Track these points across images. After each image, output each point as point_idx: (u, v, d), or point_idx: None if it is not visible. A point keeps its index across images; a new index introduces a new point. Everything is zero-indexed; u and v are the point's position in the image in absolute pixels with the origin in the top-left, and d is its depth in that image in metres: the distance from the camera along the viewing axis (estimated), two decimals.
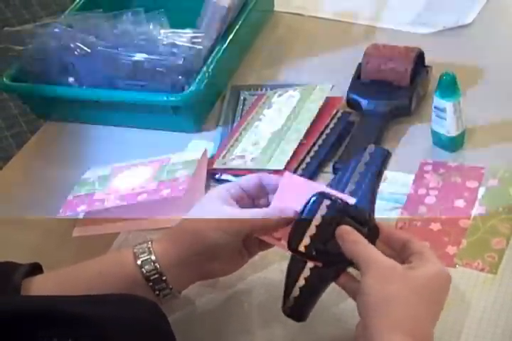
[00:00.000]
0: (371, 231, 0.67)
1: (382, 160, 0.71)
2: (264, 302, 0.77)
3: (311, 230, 0.67)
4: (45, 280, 0.71)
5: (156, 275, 0.69)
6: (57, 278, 0.72)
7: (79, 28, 1.02)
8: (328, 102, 0.95)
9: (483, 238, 0.78)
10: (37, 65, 1.02)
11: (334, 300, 0.74)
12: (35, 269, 0.73)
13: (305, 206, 0.68)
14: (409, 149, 0.91)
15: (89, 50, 0.98)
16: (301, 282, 0.67)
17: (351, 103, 0.96)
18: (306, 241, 0.67)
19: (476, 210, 0.81)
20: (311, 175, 0.89)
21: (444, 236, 0.79)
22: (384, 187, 0.86)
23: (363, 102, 0.94)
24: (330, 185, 0.71)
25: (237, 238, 0.70)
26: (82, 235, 0.90)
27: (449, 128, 0.86)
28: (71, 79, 1.02)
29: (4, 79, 1.04)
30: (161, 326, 0.65)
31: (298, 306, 0.68)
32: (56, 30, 1.01)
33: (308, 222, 0.67)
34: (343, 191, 0.69)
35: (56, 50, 0.99)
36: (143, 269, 0.69)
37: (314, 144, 0.91)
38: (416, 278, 0.62)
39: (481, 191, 0.83)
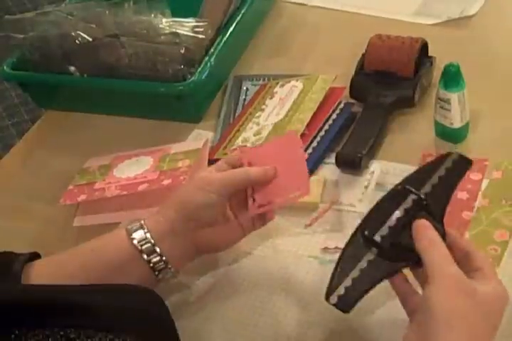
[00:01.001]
0: (442, 233, 0.65)
1: (465, 169, 0.69)
2: (262, 286, 0.77)
3: (391, 221, 0.65)
4: (44, 265, 0.72)
5: (149, 245, 0.70)
6: (55, 262, 0.73)
7: (80, 16, 1.01)
8: (331, 93, 0.94)
9: (486, 230, 0.78)
10: (38, 54, 1.01)
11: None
12: (34, 258, 0.73)
13: (388, 196, 0.67)
14: (412, 140, 0.91)
15: (90, 39, 0.97)
16: (356, 273, 0.65)
17: (354, 93, 0.95)
18: (383, 231, 0.65)
19: (479, 202, 0.81)
20: (313, 165, 0.88)
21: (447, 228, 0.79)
22: (386, 179, 0.86)
23: (366, 93, 0.94)
24: (408, 180, 0.69)
25: (223, 197, 0.72)
26: (83, 225, 0.90)
27: (452, 119, 0.86)
28: (72, 68, 1.02)
29: (5, 67, 1.03)
30: (161, 316, 0.65)
31: (347, 297, 0.65)
32: (57, 18, 1.00)
33: (390, 213, 0.65)
34: (419, 189, 0.67)
35: (57, 39, 0.99)
36: (135, 241, 0.70)
37: (317, 135, 0.91)
38: (484, 297, 0.61)
39: (485, 183, 0.83)
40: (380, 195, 0.83)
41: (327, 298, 0.65)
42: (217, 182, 0.72)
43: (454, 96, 0.83)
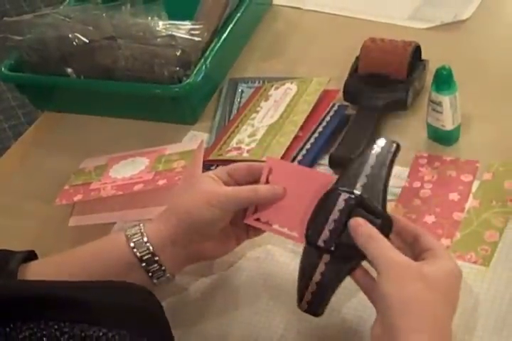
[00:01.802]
0: (385, 223, 0.67)
1: (393, 153, 0.71)
2: (258, 287, 0.78)
3: (330, 224, 0.67)
4: (40, 266, 0.72)
5: (149, 255, 0.70)
6: (53, 263, 0.73)
7: (77, 18, 1.02)
8: (325, 95, 0.96)
9: (477, 231, 0.79)
10: (35, 55, 1.02)
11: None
12: (31, 256, 0.74)
13: (322, 200, 0.69)
14: (405, 142, 0.89)
15: (87, 41, 0.98)
16: (317, 277, 0.67)
17: (348, 96, 0.96)
18: (325, 235, 0.67)
19: (470, 204, 0.82)
20: (307, 167, 0.89)
21: (438, 229, 0.80)
22: None
23: (360, 95, 0.95)
24: (342, 178, 0.70)
25: (228, 214, 0.71)
26: (78, 225, 0.91)
27: (444, 122, 0.87)
28: (69, 70, 1.02)
29: (2, 69, 1.04)
30: (154, 312, 0.66)
31: (316, 301, 0.68)
32: (55, 20, 1.01)
33: (327, 216, 0.67)
34: (354, 184, 0.69)
35: (55, 41, 0.99)
36: (135, 250, 0.70)
37: (310, 137, 0.92)
38: (433, 276, 0.62)
39: (476, 185, 0.84)
40: None
41: (298, 305, 0.69)
42: (225, 198, 0.70)
43: (445, 99, 0.84)
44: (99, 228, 0.89)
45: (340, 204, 0.67)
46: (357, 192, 0.67)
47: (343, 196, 0.67)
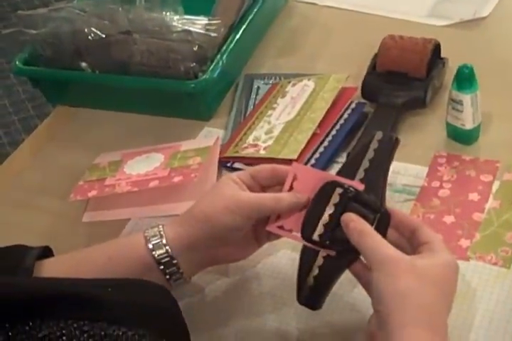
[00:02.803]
0: (382, 218, 0.67)
1: (392, 147, 0.71)
2: (275, 289, 0.77)
3: (325, 219, 0.67)
4: (56, 264, 0.71)
5: (167, 259, 0.69)
6: (69, 261, 0.72)
7: (93, 12, 1.01)
8: (343, 92, 0.94)
9: (497, 232, 0.78)
10: (49, 49, 1.01)
11: (346, 288, 0.74)
12: (46, 252, 0.73)
13: (317, 195, 0.68)
14: (424, 141, 0.91)
15: (103, 35, 0.97)
16: (315, 271, 0.67)
17: (366, 94, 0.95)
18: (320, 230, 0.67)
19: (490, 204, 0.81)
20: (324, 165, 0.88)
21: (458, 229, 0.79)
22: (397, 179, 0.86)
23: (378, 93, 0.94)
24: (339, 173, 0.70)
25: (249, 221, 0.70)
26: (92, 220, 0.90)
27: (464, 120, 0.86)
28: (84, 64, 1.01)
29: (17, 62, 1.03)
30: (172, 311, 0.65)
31: (313, 295, 0.68)
32: (70, 14, 1.00)
33: (322, 210, 0.67)
34: (352, 178, 0.68)
35: (69, 35, 0.98)
36: (154, 252, 0.69)
37: (328, 134, 0.91)
38: (425, 269, 0.62)
39: (496, 185, 0.83)
40: (391, 194, 0.84)
41: (297, 299, 0.69)
42: (246, 206, 0.69)
43: (466, 98, 0.83)
44: (113, 224, 0.88)
45: (336, 198, 0.67)
46: (354, 186, 0.67)
47: (339, 190, 0.67)
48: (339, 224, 0.66)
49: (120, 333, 0.52)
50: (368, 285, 0.66)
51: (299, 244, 0.69)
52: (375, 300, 0.62)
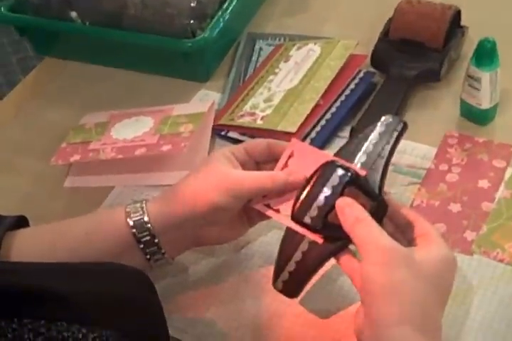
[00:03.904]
0: (379, 206, 0.61)
1: (398, 132, 0.65)
2: (260, 272, 0.72)
3: (320, 201, 0.61)
4: (28, 236, 0.66)
5: (148, 237, 0.64)
6: (42, 235, 0.67)
7: None
8: (351, 60, 0.87)
9: (506, 225, 0.72)
10: None
11: (328, 277, 0.69)
12: (21, 222, 0.68)
13: (315, 174, 0.62)
14: (435, 118, 0.84)
15: None
16: (298, 256, 0.62)
17: (376, 62, 0.88)
18: (313, 212, 0.61)
19: (501, 193, 0.75)
20: (326, 139, 0.82)
21: (464, 220, 0.73)
22: (402, 159, 0.80)
23: (389, 63, 0.86)
24: (338, 153, 0.65)
25: (239, 201, 0.64)
26: (74, 186, 0.84)
27: (481, 99, 0.79)
28: (73, 14, 0.94)
29: (1, 9, 0.96)
30: (148, 300, 0.60)
31: (292, 281, 0.63)
32: None
33: (318, 192, 0.61)
34: (352, 161, 0.63)
35: None
36: (134, 230, 0.64)
37: (332, 106, 0.84)
38: (422, 263, 0.57)
39: (509, 172, 0.76)
40: (394, 176, 0.78)
41: (273, 284, 0.63)
42: (239, 185, 0.63)
43: (485, 76, 0.76)
44: (96, 191, 0.83)
45: (334, 179, 0.60)
46: (355, 170, 0.61)
47: (339, 171, 0.61)
48: (334, 208, 0.61)
49: (80, 336, 0.47)
50: (354, 276, 0.60)
51: None
52: (364, 292, 0.57)
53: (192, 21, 0.88)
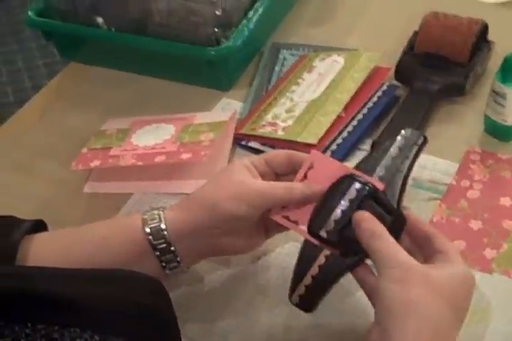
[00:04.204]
0: (397, 221, 0.61)
1: (418, 146, 0.65)
2: (277, 285, 0.71)
3: (336, 214, 0.60)
4: (45, 240, 0.66)
5: (164, 245, 0.64)
6: (59, 239, 0.67)
7: None
8: (375, 72, 0.87)
9: None
10: (65, 1, 0.94)
11: (345, 292, 0.68)
12: (39, 226, 0.68)
13: (332, 187, 0.62)
14: (458, 134, 0.83)
15: None
16: (315, 270, 0.62)
17: (400, 75, 0.87)
18: (329, 225, 0.60)
19: None
20: (347, 151, 0.81)
21: (484, 237, 0.72)
22: (423, 174, 0.79)
23: (414, 76, 0.85)
24: (358, 167, 0.64)
25: (257, 211, 0.64)
26: (94, 191, 0.85)
27: (506, 116, 0.78)
28: (100, 20, 0.94)
29: (30, 13, 0.97)
30: (162, 309, 0.60)
31: (308, 296, 0.63)
32: None
33: (335, 205, 0.61)
34: (371, 175, 0.62)
35: None
36: (150, 237, 0.64)
37: (353, 118, 0.83)
38: (439, 281, 0.56)
39: None
40: (414, 191, 0.77)
41: (290, 298, 0.63)
42: (257, 195, 0.63)
43: (511, 92, 0.75)
44: (115, 197, 0.83)
45: (352, 193, 0.60)
46: (373, 183, 0.61)
47: (356, 185, 0.60)
48: (351, 222, 0.60)
49: None
50: (371, 292, 0.60)
51: None
52: (379, 309, 0.56)
53: (216, 29, 0.88)
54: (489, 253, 0.71)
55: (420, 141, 0.64)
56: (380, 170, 0.63)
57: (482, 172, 0.78)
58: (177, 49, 0.90)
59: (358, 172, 0.63)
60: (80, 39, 0.98)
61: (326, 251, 0.62)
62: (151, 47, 0.92)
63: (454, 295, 0.56)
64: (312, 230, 0.61)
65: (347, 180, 0.61)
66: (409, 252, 0.59)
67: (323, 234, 0.61)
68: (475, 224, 0.73)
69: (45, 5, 0.97)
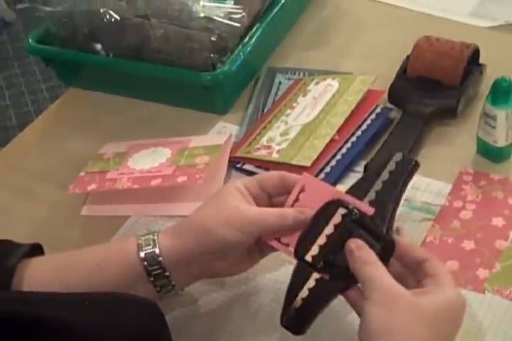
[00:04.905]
0: (386, 247, 0.61)
1: (409, 171, 0.65)
2: (270, 307, 0.71)
3: (321, 239, 0.61)
4: (41, 265, 0.67)
5: (159, 271, 0.64)
6: (55, 264, 0.68)
7: None
8: (369, 95, 0.88)
9: None
10: (63, 29, 0.95)
11: (338, 313, 0.68)
12: (35, 250, 0.69)
13: (318, 213, 0.62)
14: (450, 155, 0.84)
15: (118, 18, 0.91)
16: (305, 293, 0.62)
17: (393, 98, 0.88)
18: (314, 250, 0.61)
19: None
20: (340, 174, 0.82)
21: (476, 257, 0.73)
22: (417, 195, 0.80)
23: (406, 99, 0.87)
24: (350, 191, 0.65)
25: (250, 238, 0.65)
26: (91, 214, 0.85)
27: (497, 137, 0.79)
28: (98, 46, 0.96)
29: (30, 40, 0.98)
30: (158, 332, 0.60)
31: (298, 318, 0.63)
32: None
33: (319, 230, 0.61)
34: (362, 199, 0.63)
35: (84, 15, 0.93)
36: (145, 262, 0.64)
37: (347, 141, 0.84)
38: (426, 307, 0.57)
39: None
40: (407, 212, 0.78)
41: (280, 320, 0.63)
42: (250, 221, 0.64)
43: (501, 114, 0.76)
44: (112, 220, 0.84)
45: (337, 218, 0.61)
46: (360, 209, 0.61)
47: (342, 210, 0.61)
48: (336, 247, 0.61)
49: None
50: (361, 311, 0.60)
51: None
52: (362, 331, 0.57)
53: (212, 55, 0.90)
54: (482, 273, 0.71)
55: (411, 166, 0.65)
56: (370, 195, 0.63)
57: (475, 192, 0.79)
58: (173, 74, 0.91)
59: (348, 197, 0.63)
60: (78, 65, 1.00)
61: (316, 275, 0.62)
62: (148, 72, 0.93)
63: (440, 321, 0.57)
64: (298, 255, 0.62)
65: (333, 204, 0.62)
66: (400, 277, 0.60)
67: (308, 258, 0.62)
68: (468, 245, 0.74)
69: (44, 32, 0.99)
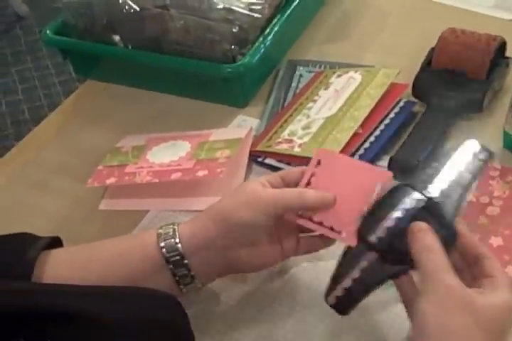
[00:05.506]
0: (449, 236, 0.59)
1: (483, 161, 0.63)
2: (295, 303, 0.70)
3: (389, 221, 0.59)
4: (61, 257, 0.66)
5: (178, 257, 0.63)
6: (75, 256, 0.67)
7: None
8: (392, 88, 0.86)
9: None
10: (81, 20, 0.94)
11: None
12: (55, 243, 0.68)
13: (387, 195, 0.61)
14: None
15: (138, 8, 0.90)
16: (356, 273, 0.60)
17: (417, 92, 0.87)
18: (380, 232, 0.60)
19: None
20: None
21: (505, 254, 0.71)
22: None
23: (431, 92, 0.85)
24: (417, 175, 0.63)
25: (270, 218, 0.63)
26: (109, 209, 0.84)
27: None
28: (117, 38, 0.95)
29: (47, 31, 0.97)
30: (180, 327, 0.59)
31: (345, 298, 0.61)
32: None
33: (387, 213, 0.60)
34: (426, 186, 0.61)
35: (103, 6, 0.91)
36: (164, 250, 0.63)
37: (371, 134, 0.83)
38: (483, 309, 0.54)
39: None
40: None
41: (326, 298, 0.62)
42: (267, 200, 0.63)
43: None
44: (130, 214, 0.83)
45: (408, 202, 0.59)
46: (430, 194, 0.60)
47: (414, 195, 0.59)
48: (403, 231, 0.59)
49: None
50: (408, 303, 0.59)
51: (325, 256, 0.64)
52: (415, 327, 0.55)
53: (233, 47, 0.88)
54: (510, 270, 0.69)
55: (485, 156, 0.63)
56: (442, 183, 0.61)
57: (502, 188, 0.77)
58: (193, 66, 0.90)
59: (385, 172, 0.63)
60: (96, 57, 0.99)
61: (371, 257, 0.60)
62: (168, 64, 0.92)
63: (495, 325, 0.55)
64: (362, 235, 0.61)
65: (404, 188, 0.60)
66: (457, 269, 0.58)
67: (372, 239, 0.60)
68: (495, 241, 0.72)
69: (62, 23, 0.97)
